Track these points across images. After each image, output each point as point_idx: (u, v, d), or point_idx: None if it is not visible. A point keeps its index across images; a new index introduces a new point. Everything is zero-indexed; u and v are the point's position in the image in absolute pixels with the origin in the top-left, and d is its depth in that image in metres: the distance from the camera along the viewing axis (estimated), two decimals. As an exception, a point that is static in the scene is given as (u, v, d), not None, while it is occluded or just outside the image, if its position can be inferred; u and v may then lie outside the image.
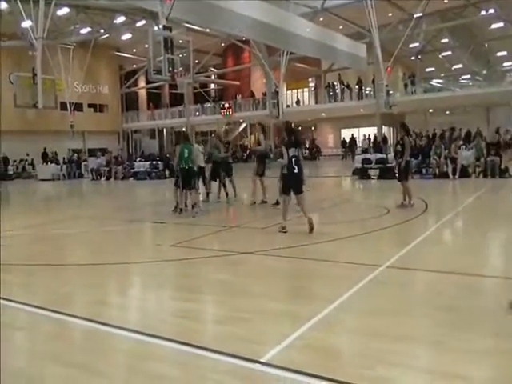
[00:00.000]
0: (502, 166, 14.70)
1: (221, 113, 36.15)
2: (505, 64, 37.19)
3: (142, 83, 43.53)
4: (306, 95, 36.75)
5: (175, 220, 9.35)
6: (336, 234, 7.22)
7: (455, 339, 3.35)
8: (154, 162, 23.43)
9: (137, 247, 7.18)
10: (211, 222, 9.15)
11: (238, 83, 40.12)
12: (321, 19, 28.56)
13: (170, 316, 4.14)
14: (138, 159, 27.99)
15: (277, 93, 26.87)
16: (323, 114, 35.39)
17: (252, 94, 37.18)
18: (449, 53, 38.32)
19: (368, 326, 3.69)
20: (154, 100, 44.12)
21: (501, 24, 29.86)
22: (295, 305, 4.20)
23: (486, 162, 14.68)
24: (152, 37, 10.80)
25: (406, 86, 31.30)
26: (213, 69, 43.48)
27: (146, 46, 10.93)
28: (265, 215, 9.65)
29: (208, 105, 39.68)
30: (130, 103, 43.64)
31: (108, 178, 24.04)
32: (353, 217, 9.12)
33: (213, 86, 47.00)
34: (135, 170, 23.67)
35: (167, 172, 22.20)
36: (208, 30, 30.77)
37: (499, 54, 37.65)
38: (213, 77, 44.32)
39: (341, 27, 28.75)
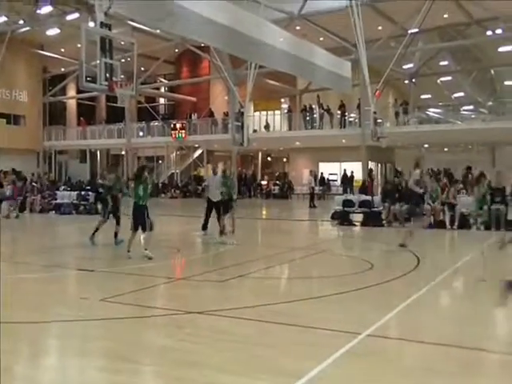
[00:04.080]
0: (509, 217, 15.31)
1: (171, 134, 36.33)
2: (514, 95, 39.32)
3: (71, 91, 43.39)
4: (277, 119, 37.49)
5: (108, 268, 9.25)
6: (308, 293, 7.35)
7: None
8: (83, 193, 23.12)
9: (55, 301, 7.05)
10: (155, 271, 9.12)
11: (193, 99, 40.62)
12: (298, 28, 29.67)
13: (95, 391, 4.10)
14: (63, 188, 27.54)
15: (241, 114, 27.40)
16: (298, 143, 36.13)
17: (211, 114, 37.67)
18: (448, 78, 40.29)
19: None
20: (87, 114, 43.92)
21: (510, 47, 31.68)
22: (253, 380, 4.25)
23: (489, 211, 15.29)
24: (86, 35, 10.72)
25: (397, 114, 32.46)
26: (163, 79, 43.92)
27: (79, 45, 10.91)
28: (223, 266, 9.71)
29: (155, 123, 39.88)
30: (54, 116, 43.23)
31: (21, 211, 23.49)
32: (329, 271, 9.29)
33: (162, 100, 47.35)
34: (58, 201, 23.28)
35: (99, 205, 21.91)
36: (158, 32, 31.28)
37: (508, 82, 39.88)
38: (163, 89, 44.67)
39: (321, 39, 29.89)
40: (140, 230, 10.14)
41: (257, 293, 7.59)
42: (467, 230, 15.27)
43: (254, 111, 37.71)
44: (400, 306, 6.49)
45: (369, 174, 23.56)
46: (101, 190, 12.74)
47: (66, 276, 9.10)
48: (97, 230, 12.06)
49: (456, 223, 15.33)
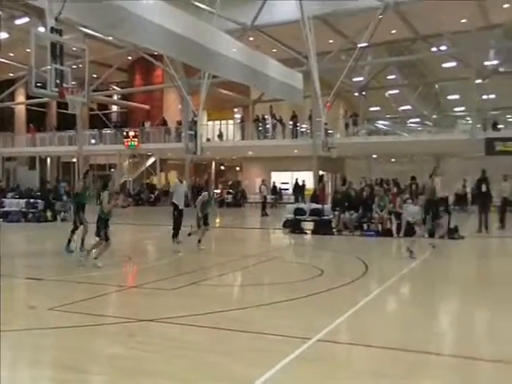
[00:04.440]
0: (452, 225, 15.85)
1: (124, 142, 35.85)
2: (456, 109, 40.75)
3: (20, 97, 42.33)
4: (230, 128, 37.57)
5: (58, 276, 9.02)
6: (260, 299, 7.37)
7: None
8: (33, 200, 22.55)
9: (1, 311, 6.81)
10: (107, 279, 8.95)
11: (147, 107, 40.27)
12: (251, 39, 29.90)
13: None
14: (11, 195, 26.72)
15: (195, 123, 27.32)
16: (250, 153, 36.28)
17: (164, 122, 37.39)
18: (396, 91, 41.41)
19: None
20: (37, 120, 42.90)
21: (453, 63, 32.90)
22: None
23: (433, 220, 15.75)
24: (35, 39, 10.52)
25: (347, 126, 33.12)
26: (116, 87, 43.37)
27: (28, 50, 10.72)
28: (176, 273, 9.63)
29: (108, 131, 39.27)
30: (2, 122, 42.08)
31: (-35, 218, 22.66)
32: (281, 278, 9.35)
33: (115, 108, 46.70)
34: (6, 208, 22.57)
35: (49, 213, 21.44)
36: (111, 39, 30.90)
37: (451, 97, 41.32)
38: (115, 97, 44.09)
39: (274, 50, 30.22)
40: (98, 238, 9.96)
41: (209, 300, 7.56)
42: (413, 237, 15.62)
43: (208, 120, 37.72)
44: (349, 312, 6.59)
45: (320, 179, 23.86)
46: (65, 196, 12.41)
47: (14, 285, 8.80)
48: (82, 241, 11.65)
49: (402, 231, 15.69)
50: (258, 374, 4.37)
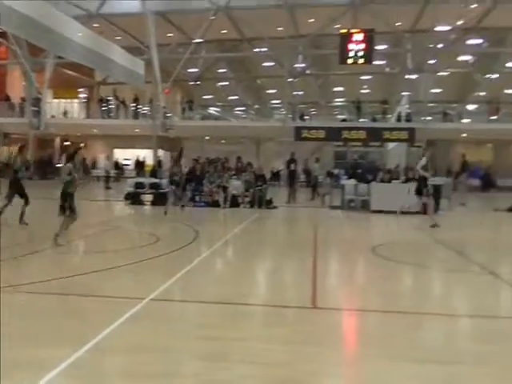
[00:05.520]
0: (268, 198, 16.74)
1: (-39, 115, 31.55)
2: (273, 101, 42.81)
3: None
4: (75, 107, 35.09)
5: None
6: (98, 265, 7.01)
7: (214, 370, 3.63)
8: None
9: None
10: None
11: (-13, 82, 35.79)
12: (95, 25, 28.02)
13: None
14: None
15: (39, 100, 24.99)
16: (95, 131, 34.38)
17: (7, 98, 33.62)
18: (226, 83, 42.20)
19: (126, 367, 3.70)
20: None
21: (271, 63, 34.45)
22: (41, 349, 3.90)
23: (254, 193, 16.48)
24: None
25: (183, 110, 33.01)
26: (-46, 60, 37.82)
27: None
28: (19, 242, 8.73)
29: None
30: None
31: None
32: (120, 245, 9.03)
33: (-47, 80, 40.75)
34: None
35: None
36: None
37: (269, 91, 43.22)
38: (-47, 70, 38.52)
39: (118, 38, 28.72)
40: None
41: (53, 267, 7.03)
42: (237, 208, 16.20)
43: (53, 98, 34.73)
44: (181, 273, 6.57)
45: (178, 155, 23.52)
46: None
47: None
48: (22, 214, 10.49)
49: (228, 202, 16.15)
50: (96, 333, 4.16)
